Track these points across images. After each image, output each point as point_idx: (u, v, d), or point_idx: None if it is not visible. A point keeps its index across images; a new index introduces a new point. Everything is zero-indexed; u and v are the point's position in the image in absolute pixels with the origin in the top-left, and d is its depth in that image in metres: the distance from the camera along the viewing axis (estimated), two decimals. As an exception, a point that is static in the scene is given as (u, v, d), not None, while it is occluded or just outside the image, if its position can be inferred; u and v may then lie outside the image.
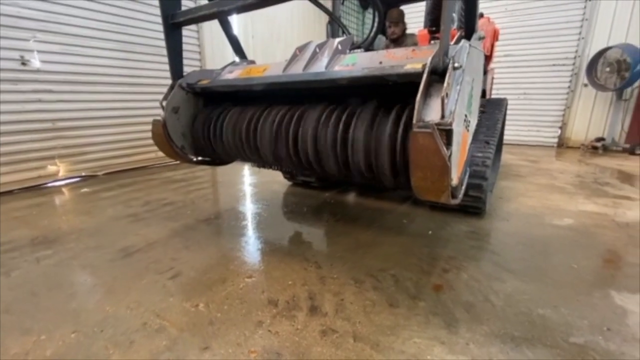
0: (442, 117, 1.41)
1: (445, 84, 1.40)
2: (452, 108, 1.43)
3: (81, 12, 4.44)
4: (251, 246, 2.53)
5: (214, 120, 2.49)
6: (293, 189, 4.07)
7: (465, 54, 1.56)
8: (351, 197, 3.77)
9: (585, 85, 6.89)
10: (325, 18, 9.45)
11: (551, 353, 1.43)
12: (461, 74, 1.50)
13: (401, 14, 3.85)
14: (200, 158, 2.84)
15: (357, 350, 1.45)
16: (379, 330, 1.57)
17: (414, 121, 1.43)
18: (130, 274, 2.11)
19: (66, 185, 4.36)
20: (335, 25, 3.74)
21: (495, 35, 4.20)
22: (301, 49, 2.41)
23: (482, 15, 3.53)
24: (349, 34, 3.59)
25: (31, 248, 2.48)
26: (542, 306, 1.75)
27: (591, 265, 2.22)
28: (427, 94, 1.49)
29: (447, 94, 1.39)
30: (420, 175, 1.48)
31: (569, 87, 7.24)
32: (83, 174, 4.71)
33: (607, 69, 6.34)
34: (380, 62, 1.94)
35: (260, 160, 2.46)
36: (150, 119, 2.56)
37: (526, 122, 7.67)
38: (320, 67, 2.16)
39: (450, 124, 1.41)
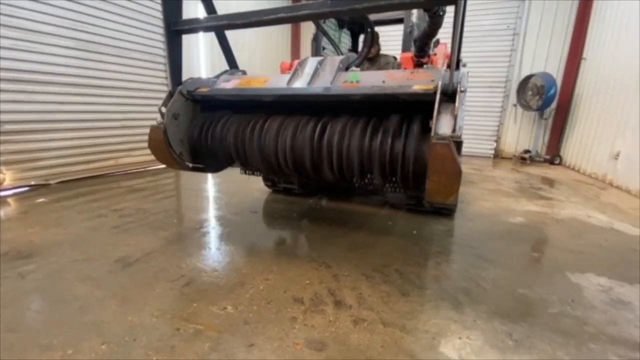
0: (454, 130, 1.70)
1: (456, 104, 1.70)
2: (461, 124, 1.73)
3: (36, 5, 4.06)
4: (255, 251, 2.58)
5: (220, 127, 2.52)
6: (275, 196, 4.15)
7: (466, 79, 1.88)
8: (334, 203, 3.98)
9: (515, 105, 8.08)
10: (287, 32, 9.67)
11: (538, 321, 1.77)
12: (464, 96, 1.82)
13: (376, 36, 4.24)
14: (195, 165, 2.82)
15: (389, 334, 1.64)
16: (401, 316, 1.78)
17: (432, 134, 1.69)
18: (139, 284, 2.04)
19: (13, 195, 3.88)
20: (319, 42, 3.96)
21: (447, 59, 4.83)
22: (301, 63, 2.58)
23: (439, 42, 4.07)
24: (340, 52, 3.86)
25: (7, 264, 2.23)
26: (521, 287, 2.13)
27: (546, 253, 2.71)
28: (438, 112, 1.77)
29: (457, 113, 1.69)
30: (436, 179, 1.75)
31: (501, 106, 8.40)
32: (33, 182, 4.22)
33: (530, 92, 7.54)
34: (383, 81, 2.19)
35: (265, 166, 2.51)
36: (114, 124, 2.52)
37: (469, 135, 8.68)
38: (324, 82, 2.35)
39: (460, 137, 1.70)
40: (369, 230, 3.08)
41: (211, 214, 3.48)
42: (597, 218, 3.61)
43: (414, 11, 3.51)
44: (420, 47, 2.70)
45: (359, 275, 2.21)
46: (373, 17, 4.55)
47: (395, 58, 4.27)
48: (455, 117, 1.69)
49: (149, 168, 5.71)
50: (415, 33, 3.29)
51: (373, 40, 2.95)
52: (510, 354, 1.52)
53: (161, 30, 5.66)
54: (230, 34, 3.00)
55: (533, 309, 1.90)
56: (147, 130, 2.51)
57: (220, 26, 2.55)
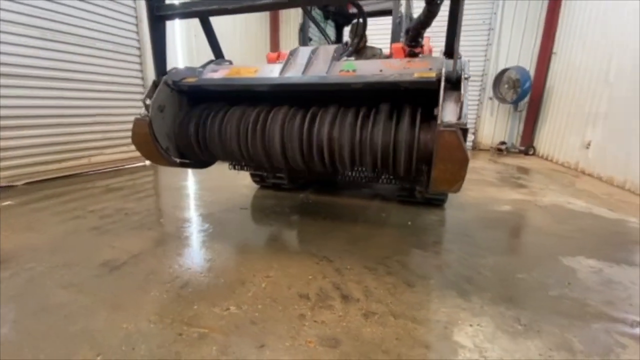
0: (459, 118, 1.68)
1: (462, 91, 1.68)
2: (466, 111, 1.71)
3: (-7, -11, 3.69)
4: (251, 248, 2.48)
5: (211, 120, 2.39)
6: (264, 192, 4.04)
7: (468, 67, 1.87)
8: (325, 197, 3.92)
9: (491, 98, 8.34)
10: (265, 22, 9.44)
11: (541, 305, 1.81)
12: (467, 84, 1.81)
13: (362, 28, 4.19)
14: (183, 160, 2.67)
15: (401, 326, 1.61)
16: (410, 307, 1.76)
17: (439, 121, 1.67)
18: (130, 288, 1.90)
19: (-27, 198, 3.54)
20: (306, 32, 3.86)
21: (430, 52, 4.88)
22: (293, 53, 2.49)
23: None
24: (331, 42, 3.77)
25: (-25, 273, 2.01)
26: (519, 272, 2.17)
27: (537, 238, 2.79)
28: (443, 99, 1.75)
29: (463, 100, 1.67)
30: (442, 167, 1.73)
31: (478, 99, 8.65)
32: (-4, 184, 3.87)
33: (506, 86, 7.81)
34: (381, 70, 2.15)
35: (260, 160, 2.41)
36: (86, 120, 2.35)
37: (448, 128, 8.87)
38: (319, 71, 2.28)
39: (466, 124, 1.69)
40: (364, 223, 3.05)
41: (199, 212, 3.32)
42: (576, 204, 3.78)
43: (403, 2, 3.49)
44: (414, 37, 2.68)
45: (362, 268, 2.17)
46: (368, 9, 4.52)
47: (381, 50, 4.25)
48: (461, 105, 1.67)
49: (125, 166, 5.41)
50: (406, 24, 3.28)
51: (365, 30, 2.90)
52: (522, 339, 1.54)
53: (134, 18, 5.36)
54: (229, 26, 2.86)
55: (534, 293, 1.94)
56: (123, 126, 2.37)
57: (209, 11, 2.40)
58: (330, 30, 4.85)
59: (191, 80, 2.48)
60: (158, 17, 2.32)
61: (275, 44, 9.57)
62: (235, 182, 4.41)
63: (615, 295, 1.94)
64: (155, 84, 2.39)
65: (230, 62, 3.03)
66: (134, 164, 5.59)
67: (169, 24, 2.52)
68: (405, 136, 1.91)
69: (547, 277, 2.12)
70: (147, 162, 5.81)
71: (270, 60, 3.61)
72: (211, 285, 1.94)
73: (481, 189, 4.40)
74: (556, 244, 2.65)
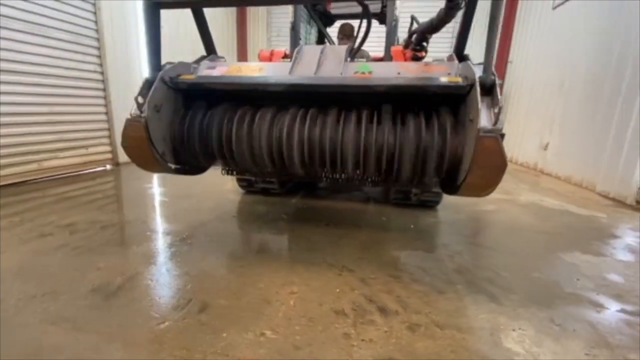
0: (495, 123, 1.68)
1: (499, 97, 1.68)
2: (502, 117, 1.72)
3: None
4: (262, 261, 2.29)
5: (219, 122, 2.16)
6: (252, 198, 3.81)
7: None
8: (318, 201, 3.80)
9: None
10: (232, 19, 9.03)
11: (564, 302, 1.89)
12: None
13: (353, 29, 4.15)
14: (178, 166, 2.40)
15: (450, 337, 1.57)
16: (449, 316, 1.73)
17: (479, 127, 1.65)
18: (137, 318, 1.62)
19: None
20: (298, 31, 3.70)
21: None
22: (299, 52, 2.37)
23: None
24: (333, 42, 3.65)
25: None
26: (532, 271, 2.26)
27: (531, 236, 2.95)
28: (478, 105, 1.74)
29: (501, 105, 1.67)
30: (479, 173, 1.72)
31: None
32: None
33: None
34: (399, 73, 2.11)
35: (272, 164, 2.22)
36: (36, 119, 2.06)
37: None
38: (332, 71, 2.19)
39: (502, 129, 1.70)
40: (369, 228, 3.00)
41: (188, 222, 3.02)
42: (549, 202, 4.10)
43: (397, 5, 3.50)
44: (420, 40, 2.68)
45: (386, 277, 2.10)
46: (347, 10, 4.49)
47: (368, 53, 4.25)
48: (499, 110, 1.67)
49: (83, 172, 4.80)
50: (412, 27, 3.27)
51: (369, 30, 2.84)
52: (564, 340, 1.57)
53: (91, 5, 4.77)
54: (172, 22, 2.60)
55: (553, 290, 2.02)
56: (80, 126, 2.11)
57: (208, 2, 2.17)
58: (312, 31, 4.75)
59: (188, 77, 2.23)
60: (154, 5, 2.04)
61: (242, 42, 9.21)
62: (215, 188, 4.12)
63: (620, 288, 2.09)
64: (149, 81, 2.10)
65: (222, 58, 2.81)
66: (92, 168, 5.00)
67: (123, 14, 2.23)
68: (437, 141, 1.88)
69: (557, 274, 2.23)
70: (108, 167, 5.24)
71: (263, 59, 3.41)
72: (233, 307, 1.74)
73: (463, 190, 4.58)
74: (550, 241, 2.83)
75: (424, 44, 2.75)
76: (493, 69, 1.81)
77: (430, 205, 3.59)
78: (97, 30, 4.86)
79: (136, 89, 2.06)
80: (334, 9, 4.60)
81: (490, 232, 2.99)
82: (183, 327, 1.57)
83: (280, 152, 2.10)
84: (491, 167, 1.68)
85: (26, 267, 2.08)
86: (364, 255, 2.41)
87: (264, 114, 2.13)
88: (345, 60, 2.26)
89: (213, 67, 2.42)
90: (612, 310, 1.84)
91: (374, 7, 4.12)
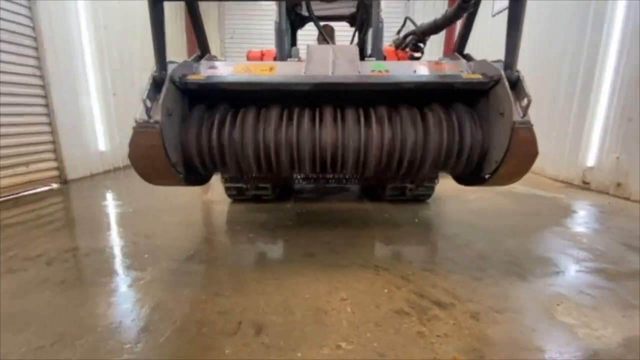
0: (524, 115, 1.80)
1: (526, 91, 1.80)
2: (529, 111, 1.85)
3: None
4: (290, 269, 2.14)
5: (240, 126, 1.98)
6: (243, 206, 3.58)
7: None
8: (314, 205, 3.71)
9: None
10: (181, 18, 8.43)
11: (587, 276, 2.09)
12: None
13: (333, 30, 4.16)
14: (189, 177, 2.15)
15: (513, 319, 1.63)
16: (498, 299, 1.80)
17: (514, 119, 1.76)
18: (195, 354, 1.41)
19: None
20: (282, 30, 3.56)
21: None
22: (309, 51, 2.29)
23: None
24: (329, 42, 3.57)
25: None
26: (542, 251, 2.48)
27: (521, 219, 3.22)
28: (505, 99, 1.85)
29: (530, 99, 1.80)
30: (514, 162, 1.83)
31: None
32: None
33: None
34: (415, 71, 2.16)
35: (307, 168, 2.09)
36: None
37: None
38: (348, 70, 2.16)
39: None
40: (377, 226, 3.01)
41: (186, 237, 2.72)
42: (518, 188, 4.53)
43: (382, 6, 3.58)
44: (418, 41, 2.78)
45: (422, 271, 2.13)
46: (326, 12, 4.47)
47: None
48: (527, 103, 1.78)
49: (24, 193, 4.06)
50: (402, 29, 3.35)
51: (368, 30, 2.85)
52: (605, 307, 1.74)
53: (26, 3, 4.06)
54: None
55: (572, 266, 2.23)
56: (15, 140, 1.83)
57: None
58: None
59: (198, 77, 2.03)
60: (157, -3, 1.81)
61: (192, 42, 8.64)
62: (192, 199, 3.82)
63: (621, 256, 2.38)
64: (157, 81, 1.86)
65: (215, 57, 2.62)
66: (34, 188, 4.25)
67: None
68: (470, 133, 1.95)
69: (564, 251, 2.46)
70: (54, 185, 4.53)
71: (253, 59, 3.24)
72: (290, 323, 1.60)
73: (443, 182, 4.85)
74: (539, 220, 3.14)
75: (421, 44, 2.87)
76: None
77: (422, 199, 3.74)
78: (33, 28, 4.15)
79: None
80: (306, 11, 4.56)
81: (486, 219, 3.20)
82: (249, 354, 1.39)
83: (331, 155, 2.01)
84: (525, 156, 1.80)
85: (12, 312, 1.67)
86: (388, 252, 2.42)
87: (301, 115, 2.02)
88: (356, 60, 2.25)
89: (215, 67, 2.22)
90: (628, 275, 2.10)
91: (346, 10, 4.19)
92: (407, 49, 3.08)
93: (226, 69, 2.21)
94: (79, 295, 1.85)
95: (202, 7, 8.13)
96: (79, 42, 4.91)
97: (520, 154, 1.79)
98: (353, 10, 4.51)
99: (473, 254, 2.40)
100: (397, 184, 3.49)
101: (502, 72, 1.85)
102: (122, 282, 2.00)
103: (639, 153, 3.74)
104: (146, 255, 2.37)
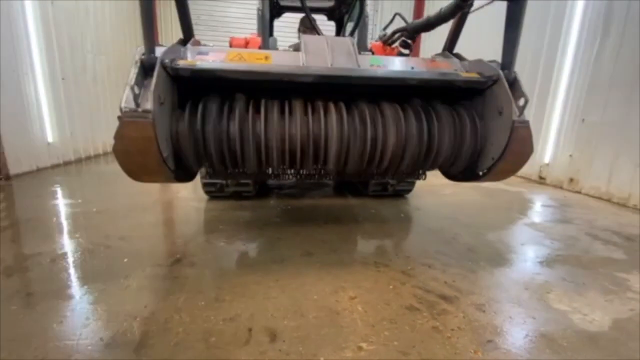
0: (521, 114, 1.89)
1: (524, 90, 1.89)
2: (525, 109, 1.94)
3: None
4: (291, 270, 2.06)
5: (240, 117, 1.85)
6: (224, 204, 3.38)
7: None
8: (298, 201, 3.63)
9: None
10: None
11: (565, 263, 2.27)
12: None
13: (315, 22, 4.05)
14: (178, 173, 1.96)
15: (514, 309, 1.71)
16: (497, 290, 1.89)
17: (513, 118, 1.83)
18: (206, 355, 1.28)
19: None
20: (266, 18, 3.37)
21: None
22: (302, 42, 2.21)
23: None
24: (320, 33, 3.42)
25: None
26: (519, 240, 2.65)
27: (494, 211, 3.43)
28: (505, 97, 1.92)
29: (527, 99, 1.88)
30: (511, 159, 1.91)
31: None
32: None
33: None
34: (412, 67, 2.18)
35: (308, 163, 2.01)
36: None
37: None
38: (346, 63, 2.11)
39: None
40: (366, 221, 3.02)
41: (168, 239, 2.51)
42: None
43: (369, 2, 3.55)
44: (408, 37, 2.79)
45: (420, 266, 2.16)
46: (298, 3, 4.34)
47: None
48: (525, 102, 1.87)
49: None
50: (390, 25, 3.32)
51: (360, 18, 2.80)
52: (588, 293, 1.90)
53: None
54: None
55: (550, 255, 2.40)
56: None
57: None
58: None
59: (190, 63, 1.85)
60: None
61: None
62: (163, 197, 3.54)
63: (591, 245, 2.63)
64: (145, 66, 1.67)
65: (198, 42, 2.45)
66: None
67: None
68: (469, 130, 2.00)
69: (537, 241, 2.66)
70: (-7, 182, 3.94)
71: (236, 45, 3.04)
72: (305, 326, 1.53)
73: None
74: (510, 213, 3.37)
75: (409, 41, 2.89)
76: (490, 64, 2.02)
77: (403, 194, 3.83)
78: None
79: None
80: (285, 0, 4.41)
81: (464, 213, 3.36)
82: (266, 357, 1.31)
83: (347, 148, 1.95)
84: (523, 153, 1.90)
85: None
86: (384, 247, 2.43)
87: (296, 106, 1.94)
88: (355, 52, 2.20)
89: (205, 53, 2.05)
90: (603, 263, 2.31)
91: (325, 3, 4.12)
92: (395, 45, 3.09)
93: (217, 55, 2.04)
94: (54, 309, 1.60)
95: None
96: (21, 17, 4.27)
97: (518, 151, 1.87)
98: (331, 3, 4.46)
99: (462, 247, 2.50)
100: (380, 180, 3.53)
101: (501, 72, 1.92)
102: (104, 291, 1.78)
103: (589, 151, 4.16)
104: (126, 260, 2.14)
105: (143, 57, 1.66)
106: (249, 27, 7.39)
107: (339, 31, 4.76)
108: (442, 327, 1.56)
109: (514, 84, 1.92)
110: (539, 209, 3.67)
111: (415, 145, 1.97)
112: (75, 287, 1.80)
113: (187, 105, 1.87)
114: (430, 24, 2.53)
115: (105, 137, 6.32)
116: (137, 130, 1.55)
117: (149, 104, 1.59)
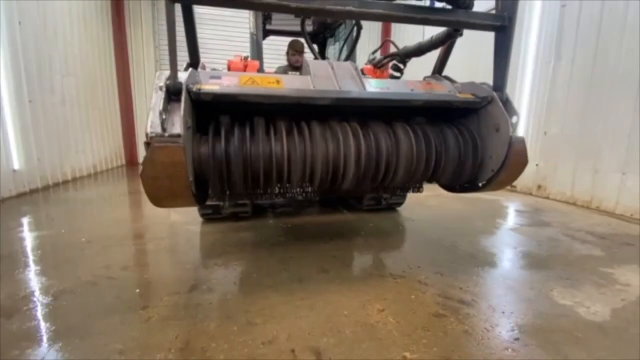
0: (514, 131, 2.12)
1: (515, 109, 2.12)
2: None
3: None
4: (314, 288, 2.07)
5: (259, 141, 1.90)
6: (221, 226, 3.31)
7: None
8: (294, 219, 3.64)
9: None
10: (108, 24, 7.48)
11: (552, 263, 2.50)
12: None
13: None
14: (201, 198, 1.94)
15: (530, 308, 1.86)
16: (509, 293, 2.05)
17: (510, 133, 2.05)
18: (258, 391, 1.26)
19: None
20: (260, 42, 3.45)
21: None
22: (308, 65, 2.33)
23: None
24: (323, 58, 3.52)
25: None
26: (513, 245, 2.87)
27: (480, 220, 3.68)
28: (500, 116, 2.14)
29: (519, 117, 2.11)
30: (510, 171, 2.12)
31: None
32: None
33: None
34: (412, 90, 2.37)
35: (317, 182, 2.07)
36: None
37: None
38: (354, 86, 2.26)
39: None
40: (368, 236, 3.10)
41: (175, 265, 2.41)
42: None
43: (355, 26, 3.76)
44: (400, 62, 3.00)
45: (433, 274, 2.27)
46: (286, 28, 4.50)
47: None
48: (517, 119, 2.10)
49: None
50: (379, 50, 3.53)
51: (356, 43, 2.96)
52: (584, 288, 2.11)
53: None
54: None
55: (542, 257, 2.63)
56: None
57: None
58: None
59: (212, 87, 1.88)
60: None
61: (121, 49, 7.74)
62: (153, 221, 3.41)
63: (572, 246, 2.90)
64: (172, 91, 1.68)
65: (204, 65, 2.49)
66: None
67: None
68: (471, 146, 2.19)
69: (528, 243, 2.90)
70: (-48, 216, 3.56)
71: (234, 69, 3.08)
72: (346, 342, 1.56)
73: (397, 191, 5.24)
74: (495, 221, 3.63)
75: (401, 65, 3.11)
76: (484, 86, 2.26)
77: (395, 207, 3.99)
78: None
79: None
80: (273, 25, 4.55)
81: (455, 222, 3.57)
82: (324, 381, 1.32)
83: (364, 168, 2.04)
84: (520, 164, 2.11)
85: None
86: (393, 259, 2.53)
87: (315, 128, 2.02)
88: (359, 76, 2.35)
89: (218, 77, 2.08)
90: (579, 260, 2.56)
91: (306, 27, 4.31)
92: (386, 69, 3.30)
93: (230, 79, 2.08)
94: (74, 350, 1.49)
95: (135, 8, 7.56)
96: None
97: (516, 163, 2.08)
98: (314, 27, 4.66)
99: (464, 254, 2.66)
100: (374, 194, 3.67)
101: (494, 93, 2.14)
102: (125, 324, 1.68)
103: (553, 160, 4.63)
104: (137, 290, 2.04)
105: (168, 82, 1.67)
106: (226, 49, 7.45)
107: (322, 53, 4.97)
108: (471, 330, 1.66)
109: (506, 103, 2.15)
110: (517, 214, 4.00)
111: (424, 162, 2.11)
112: (90, 324, 1.68)
113: (209, 129, 1.88)
114: (422, 50, 2.76)
115: (73, 162, 5.94)
116: (167, 155, 1.54)
117: (176, 129, 1.60)
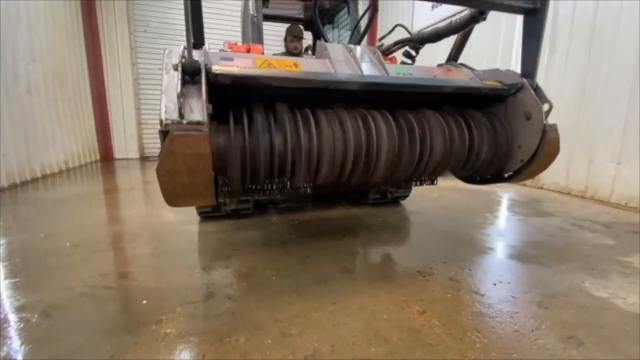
0: (546, 118, 2.05)
1: (547, 97, 2.04)
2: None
3: None
4: (342, 290, 1.91)
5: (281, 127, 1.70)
6: (223, 224, 3.07)
7: None
8: (299, 215, 3.45)
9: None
10: (76, 8, 6.82)
11: (570, 256, 2.48)
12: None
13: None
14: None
15: (570, 302, 1.80)
16: (543, 287, 1.98)
17: (544, 122, 1.97)
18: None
19: None
20: (260, 27, 3.17)
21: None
22: (325, 49, 2.15)
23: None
24: (327, 40, 3.28)
25: None
26: (524, 237, 2.85)
27: (486, 211, 3.66)
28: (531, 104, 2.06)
29: (552, 105, 2.03)
30: (542, 160, 2.05)
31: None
32: None
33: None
34: (435, 76, 2.25)
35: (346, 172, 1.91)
36: None
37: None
38: (376, 71, 2.11)
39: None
40: (380, 231, 2.98)
41: (181, 270, 2.16)
42: (460, 184, 5.15)
43: (360, 9, 3.57)
44: (412, 48, 2.86)
45: (461, 270, 2.18)
46: (279, 12, 4.25)
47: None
48: (549, 107, 2.02)
49: None
50: (389, 34, 3.35)
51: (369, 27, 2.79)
52: (612, 278, 2.09)
53: None
54: None
55: (560, 247, 2.61)
56: None
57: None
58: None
59: (230, 69, 1.66)
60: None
61: (91, 34, 7.11)
62: (151, 220, 3.12)
63: (578, 235, 2.91)
64: (191, 71, 1.45)
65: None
66: None
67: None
68: (502, 135, 2.10)
69: (539, 233, 2.89)
70: None
71: (236, 50, 2.82)
72: (397, 351, 1.42)
73: (395, 184, 5.16)
74: (500, 211, 3.62)
75: (413, 52, 2.97)
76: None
77: (401, 200, 3.90)
78: None
79: None
80: (270, 9, 4.27)
81: (463, 215, 3.52)
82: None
83: (398, 157, 1.92)
84: (552, 155, 2.04)
85: None
86: (413, 255, 2.43)
87: (343, 115, 1.85)
88: (380, 61, 2.20)
89: (230, 59, 1.86)
90: (594, 250, 2.57)
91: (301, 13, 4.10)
92: (392, 56, 3.15)
93: (245, 61, 1.87)
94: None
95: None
96: None
97: (549, 152, 2.01)
98: (309, 14, 4.44)
99: (484, 248, 2.59)
100: (380, 188, 3.55)
101: (524, 80, 2.05)
102: (139, 344, 1.44)
103: (546, 151, 4.70)
104: (144, 302, 1.79)
105: (184, 60, 1.43)
106: (212, 37, 7.00)
107: (316, 40, 4.76)
108: (522, 329, 1.57)
109: (536, 90, 2.06)
110: (519, 205, 4.02)
111: (459, 150, 2.00)
112: (95, 347, 1.43)
113: (230, 115, 1.66)
114: (439, 35, 2.63)
115: (43, 158, 5.39)
116: (190, 145, 1.32)
117: (195, 115, 1.37)
